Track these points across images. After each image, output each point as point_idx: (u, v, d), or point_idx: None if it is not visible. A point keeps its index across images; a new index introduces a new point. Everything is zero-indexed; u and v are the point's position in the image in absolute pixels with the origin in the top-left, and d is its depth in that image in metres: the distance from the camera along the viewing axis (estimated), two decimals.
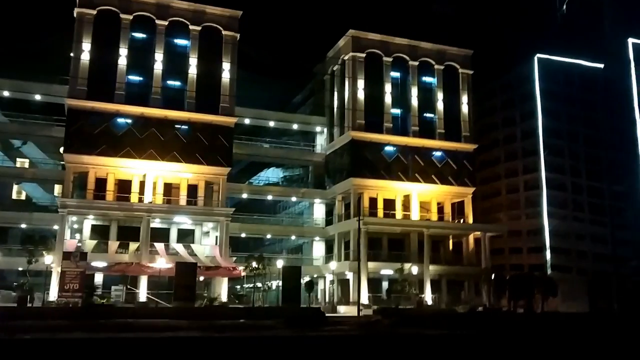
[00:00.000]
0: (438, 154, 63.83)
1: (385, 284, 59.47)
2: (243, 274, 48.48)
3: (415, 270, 56.00)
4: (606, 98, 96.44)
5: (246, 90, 64.58)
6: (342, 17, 66.41)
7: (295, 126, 67.53)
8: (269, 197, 65.59)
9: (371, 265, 57.89)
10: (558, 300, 50.90)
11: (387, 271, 58.63)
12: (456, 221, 64.29)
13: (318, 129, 68.52)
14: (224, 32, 57.64)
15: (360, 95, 61.75)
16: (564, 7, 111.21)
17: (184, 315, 37.00)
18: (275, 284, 56.56)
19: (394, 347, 26.02)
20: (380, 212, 61.84)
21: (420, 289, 57.70)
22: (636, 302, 55.77)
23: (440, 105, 64.76)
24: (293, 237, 65.36)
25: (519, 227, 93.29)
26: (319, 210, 67.16)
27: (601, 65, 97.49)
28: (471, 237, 64.09)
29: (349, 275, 58.06)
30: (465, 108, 65.73)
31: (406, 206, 63.23)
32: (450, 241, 64.04)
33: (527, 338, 28.97)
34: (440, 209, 66.05)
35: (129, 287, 47.35)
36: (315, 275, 61.88)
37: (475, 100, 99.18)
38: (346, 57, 63.19)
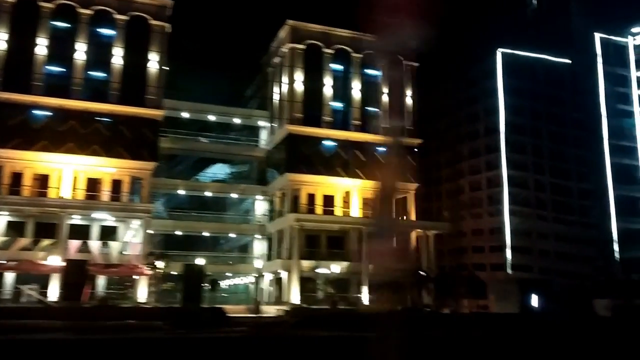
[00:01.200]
0: (381, 149, 61.53)
1: (319, 283, 57.38)
2: (149, 272, 46.38)
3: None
4: (573, 94, 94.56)
5: (192, 83, 62.79)
6: (294, 6, 63.94)
7: (238, 120, 65.39)
8: (207, 194, 63.31)
9: (306, 263, 55.82)
10: (493, 300, 48.82)
11: (324, 270, 56.62)
12: (399, 218, 62.07)
13: (262, 123, 66.46)
14: (152, 22, 55.56)
15: (299, 88, 59.64)
16: (534, 1, 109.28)
17: (72, 315, 34.88)
18: None
19: (273, 348, 24.36)
20: (319, 209, 59.75)
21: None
22: (585, 304, 53.69)
23: (385, 99, 62.54)
24: (233, 235, 63.21)
25: (481, 226, 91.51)
26: (261, 208, 65.11)
27: (568, 61, 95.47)
28: (413, 235, 61.92)
29: (284, 275, 56.03)
30: (409, 101, 63.53)
31: (348, 203, 61.18)
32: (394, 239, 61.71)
33: (418, 339, 27.07)
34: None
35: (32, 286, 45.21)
36: (255, 275, 59.93)
37: (442, 96, 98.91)
38: (285, 49, 61.11)
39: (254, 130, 66.91)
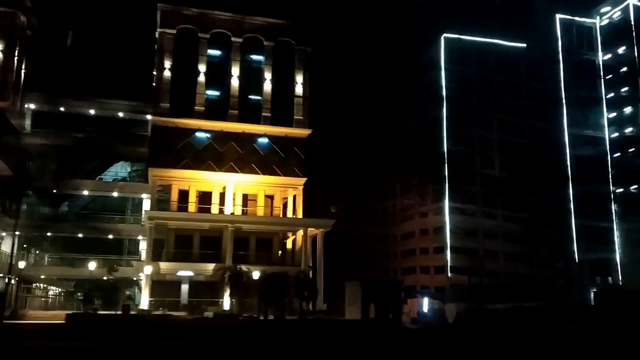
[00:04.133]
0: (263, 140, 56.49)
1: (185, 287, 52.46)
2: None
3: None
4: (530, 81, 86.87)
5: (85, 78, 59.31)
6: None
7: (121, 114, 61.27)
8: (85, 193, 59.42)
9: (165, 265, 51.10)
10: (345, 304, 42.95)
11: (187, 272, 51.81)
12: (283, 216, 56.77)
13: (150, 116, 62.10)
14: None
15: (167, 76, 55.06)
16: None
17: None
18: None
19: None
20: (193, 206, 54.91)
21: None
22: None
23: (268, 86, 57.38)
24: (110, 237, 59.03)
25: (426, 225, 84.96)
26: (147, 206, 60.67)
27: (524, 45, 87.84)
28: (300, 234, 56.36)
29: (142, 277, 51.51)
30: (300, 89, 58.08)
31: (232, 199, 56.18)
32: (273, 239, 56.47)
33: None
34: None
35: None
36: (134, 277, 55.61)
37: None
38: (157, 34, 56.75)
39: (143, 124, 62.51)
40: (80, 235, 57.60)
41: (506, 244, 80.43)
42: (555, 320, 35.72)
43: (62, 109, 58.86)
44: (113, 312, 42.20)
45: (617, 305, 34.94)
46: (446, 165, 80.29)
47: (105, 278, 48.17)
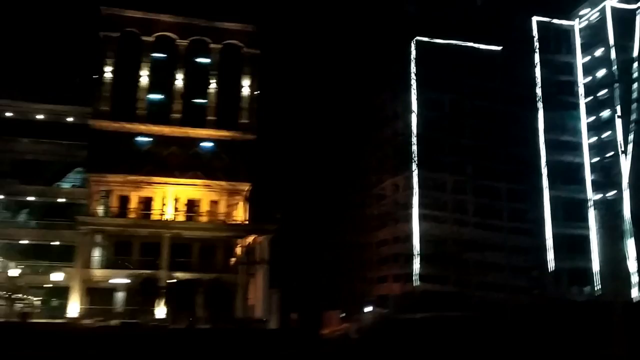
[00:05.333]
0: (207, 145, 55.28)
1: (120, 295, 51.15)
2: None
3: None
4: (505, 85, 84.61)
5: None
6: None
7: (70, 119, 60.31)
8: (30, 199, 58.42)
9: (99, 273, 49.89)
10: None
11: (121, 280, 50.51)
12: (225, 222, 55.32)
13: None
14: None
15: (108, 79, 54.16)
16: None
17: None
18: None
19: None
20: (133, 212, 53.73)
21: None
22: None
23: (213, 90, 56.25)
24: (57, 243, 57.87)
25: (398, 233, 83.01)
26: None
27: (499, 48, 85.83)
28: (249, 241, 54.86)
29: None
30: (247, 92, 56.85)
31: (174, 205, 54.95)
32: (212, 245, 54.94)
33: None
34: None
35: None
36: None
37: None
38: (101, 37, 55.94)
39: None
40: (26, 241, 56.61)
41: (478, 251, 78.06)
42: (474, 332, 33.75)
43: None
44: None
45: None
46: (416, 171, 78.43)
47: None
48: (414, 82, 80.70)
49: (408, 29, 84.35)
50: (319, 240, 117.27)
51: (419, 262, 75.67)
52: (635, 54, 79.32)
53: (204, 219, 55.41)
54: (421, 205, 77.75)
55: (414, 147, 78.90)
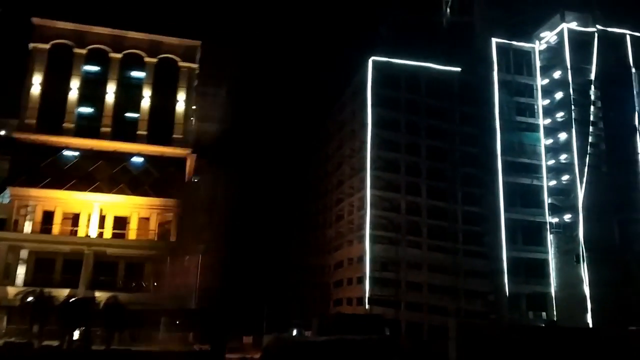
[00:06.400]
0: (137, 160, 53.82)
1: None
2: None
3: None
4: (463, 106, 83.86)
5: None
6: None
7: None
8: None
9: (15, 290, 47.93)
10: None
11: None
12: (152, 240, 53.59)
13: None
14: None
15: (36, 91, 52.90)
16: (448, 8, 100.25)
17: None
18: None
19: None
20: (57, 228, 52.00)
21: None
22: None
23: (146, 104, 55.03)
24: None
25: (352, 255, 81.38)
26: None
27: (458, 69, 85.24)
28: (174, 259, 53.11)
29: None
30: (181, 107, 55.66)
31: (101, 221, 53.31)
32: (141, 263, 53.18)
33: None
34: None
35: None
36: None
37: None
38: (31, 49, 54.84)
39: None
40: None
41: (431, 274, 76.33)
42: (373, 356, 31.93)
43: None
44: None
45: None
46: (369, 191, 77.04)
47: None
48: (369, 101, 79.78)
49: (366, 49, 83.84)
50: (273, 263, 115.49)
51: (369, 285, 73.79)
52: (592, 76, 78.75)
53: (132, 235, 53.66)
54: (374, 226, 76.15)
55: (368, 167, 77.63)
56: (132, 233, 53.82)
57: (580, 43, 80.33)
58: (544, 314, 77.11)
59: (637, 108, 78.22)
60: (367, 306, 72.52)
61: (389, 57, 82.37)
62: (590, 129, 76.68)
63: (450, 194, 79.28)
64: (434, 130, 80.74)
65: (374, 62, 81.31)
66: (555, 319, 75.67)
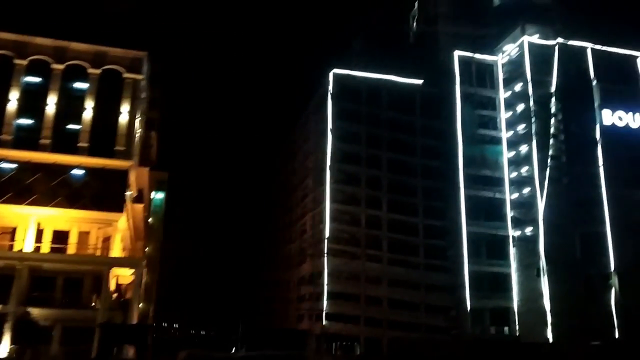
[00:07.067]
0: (78, 172, 52.58)
1: None
2: None
3: None
4: (426, 119, 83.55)
5: None
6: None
7: None
8: None
9: None
10: None
11: None
12: (90, 255, 52.27)
13: None
14: None
15: None
16: (414, 24, 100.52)
17: None
18: None
19: None
20: None
21: None
22: None
23: (89, 115, 53.96)
24: None
25: (313, 269, 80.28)
26: None
27: (420, 82, 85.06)
28: (113, 274, 51.81)
29: None
30: (125, 118, 54.64)
31: (39, 235, 51.96)
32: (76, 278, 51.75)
33: None
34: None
35: None
36: None
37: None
38: None
39: None
40: None
41: (391, 289, 75.33)
42: None
43: None
44: None
45: None
46: (328, 204, 76.19)
47: None
48: (329, 114, 79.28)
49: (331, 61, 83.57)
50: (245, 279, 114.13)
51: (327, 300, 72.64)
52: (553, 89, 78.67)
53: (72, 250, 52.30)
54: (334, 240, 75.23)
55: (328, 180, 76.87)
56: (71, 247, 52.43)
57: (542, 56, 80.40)
58: (506, 328, 76.24)
59: (597, 121, 78.03)
60: (324, 322, 71.32)
61: (351, 70, 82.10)
62: (551, 141, 76.32)
63: (411, 207, 78.56)
64: (395, 143, 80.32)
65: (335, 75, 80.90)
66: (517, 333, 74.80)
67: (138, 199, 62.39)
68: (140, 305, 73.27)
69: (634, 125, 78.73)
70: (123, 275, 55.70)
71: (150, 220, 78.58)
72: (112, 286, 54.81)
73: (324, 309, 71.84)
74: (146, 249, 75.23)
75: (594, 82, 79.93)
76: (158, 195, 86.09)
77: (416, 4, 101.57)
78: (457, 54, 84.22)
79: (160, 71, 74.64)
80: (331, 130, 78.23)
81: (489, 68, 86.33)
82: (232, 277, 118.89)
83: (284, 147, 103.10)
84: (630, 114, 79.24)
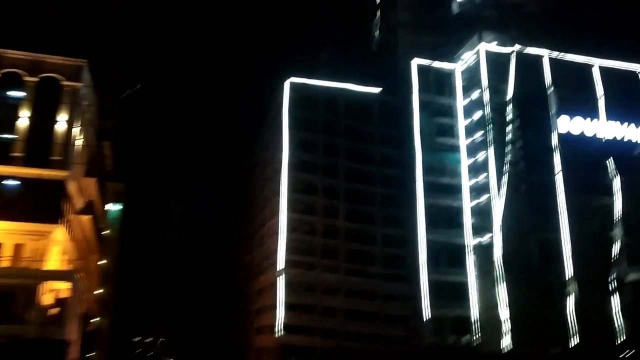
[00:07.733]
0: (11, 183, 50.97)
1: None
2: None
3: None
4: (383, 127, 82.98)
5: None
6: None
7: None
8: None
9: None
10: None
11: None
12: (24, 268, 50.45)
13: None
14: None
15: None
16: (377, 32, 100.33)
17: None
18: None
19: None
20: None
21: None
22: None
23: (24, 124, 52.44)
24: None
25: (270, 280, 78.92)
26: None
27: (378, 91, 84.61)
28: (51, 288, 50.01)
29: None
30: (62, 127, 53.20)
31: None
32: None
33: None
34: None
35: None
36: None
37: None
38: None
39: None
40: None
41: (348, 299, 74.20)
42: None
43: None
44: None
45: None
46: (285, 214, 75.10)
47: None
48: (286, 123, 78.45)
49: (289, 69, 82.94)
50: (203, 290, 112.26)
51: (283, 311, 71.30)
52: (509, 96, 78.63)
53: (6, 263, 50.43)
54: (291, 250, 74.06)
55: (284, 189, 75.87)
56: (5, 260, 50.59)
57: (499, 63, 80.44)
58: (467, 337, 75.41)
59: (554, 128, 78.09)
60: (278, 334, 69.98)
61: (309, 79, 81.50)
62: (508, 148, 76.10)
63: (369, 216, 77.74)
64: (353, 151, 79.64)
65: (292, 84, 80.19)
66: (477, 342, 73.98)
67: (87, 210, 60.67)
68: (97, 319, 71.49)
69: (590, 133, 78.87)
70: (65, 290, 53.91)
71: (107, 232, 76.93)
72: (51, 300, 52.93)
73: (281, 321, 70.45)
74: (101, 262, 73.42)
75: (551, 89, 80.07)
76: (115, 207, 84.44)
77: (378, 12, 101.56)
78: (415, 62, 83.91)
79: (114, 80, 73.54)
80: (288, 139, 77.34)
81: (448, 76, 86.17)
82: (198, 289, 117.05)
83: (247, 155, 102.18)
84: (588, 120, 79.43)
